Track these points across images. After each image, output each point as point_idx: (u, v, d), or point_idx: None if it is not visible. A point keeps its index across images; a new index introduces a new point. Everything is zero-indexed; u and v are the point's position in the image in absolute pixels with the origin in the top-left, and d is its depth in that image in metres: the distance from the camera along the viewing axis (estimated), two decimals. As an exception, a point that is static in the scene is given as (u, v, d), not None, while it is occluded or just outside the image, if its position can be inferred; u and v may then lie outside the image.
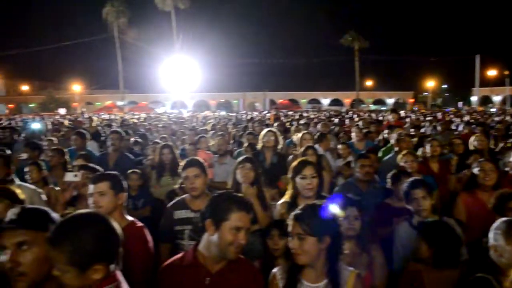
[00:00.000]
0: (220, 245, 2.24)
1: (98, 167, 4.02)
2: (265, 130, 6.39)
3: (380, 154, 6.95)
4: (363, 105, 62.96)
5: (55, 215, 1.82)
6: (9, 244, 1.66)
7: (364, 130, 9.21)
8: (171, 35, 55.01)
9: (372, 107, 59.63)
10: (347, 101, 65.46)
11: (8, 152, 5.36)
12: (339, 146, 7.30)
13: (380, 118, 18.66)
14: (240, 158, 4.23)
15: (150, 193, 5.94)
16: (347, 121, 15.18)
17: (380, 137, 9.04)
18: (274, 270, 2.53)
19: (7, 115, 45.45)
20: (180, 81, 54.31)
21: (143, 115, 32.94)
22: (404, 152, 5.23)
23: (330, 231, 2.34)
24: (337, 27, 67.53)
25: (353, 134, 8.27)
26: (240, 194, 2.44)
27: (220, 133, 8.30)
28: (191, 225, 3.52)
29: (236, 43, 70.90)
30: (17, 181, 4.25)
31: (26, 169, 4.94)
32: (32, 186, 4.37)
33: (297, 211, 2.40)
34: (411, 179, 3.76)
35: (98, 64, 72.59)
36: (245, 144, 7.19)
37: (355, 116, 21.29)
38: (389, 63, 66.85)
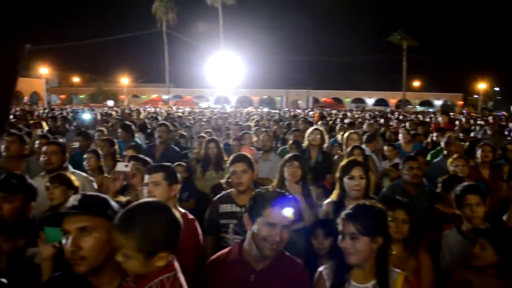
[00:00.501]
0: (256, 241, 2.24)
1: (147, 158, 4.12)
2: (312, 128, 6.36)
3: (428, 157, 6.75)
4: (409, 106, 61.34)
5: (114, 203, 1.88)
6: (72, 229, 1.72)
7: (412, 132, 8.98)
8: (217, 31, 55.49)
9: (419, 108, 58.02)
10: (392, 101, 64.00)
11: (63, 140, 5.58)
12: (386, 148, 7.15)
13: (427, 120, 18.14)
14: (288, 156, 4.21)
15: (195, 186, 6.04)
16: (393, 122, 14.83)
17: (429, 139, 8.78)
18: (320, 268, 2.50)
19: (59, 105, 47.37)
20: (224, 76, 54.80)
21: (188, 109, 33.51)
22: (455, 156, 5.06)
23: (382, 231, 2.30)
24: (385, 25, 66.22)
25: (400, 136, 8.09)
26: (282, 191, 2.41)
27: (264, 129, 8.31)
28: (236, 220, 3.55)
29: (281, 40, 70.73)
30: (71, 169, 4.41)
31: (85, 156, 5.15)
32: (84, 174, 4.53)
33: (349, 210, 2.36)
34: (464, 184, 3.63)
35: (145, 58, 74.49)
36: (290, 142, 7.17)
37: (400, 117, 20.78)
38: (438, 63, 64.78)
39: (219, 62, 54.40)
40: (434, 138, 8.18)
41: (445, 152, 6.11)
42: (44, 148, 4.38)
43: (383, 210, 2.39)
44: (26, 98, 59.00)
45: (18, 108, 30.33)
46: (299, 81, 65.02)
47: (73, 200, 1.77)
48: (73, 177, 3.41)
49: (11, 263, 2.21)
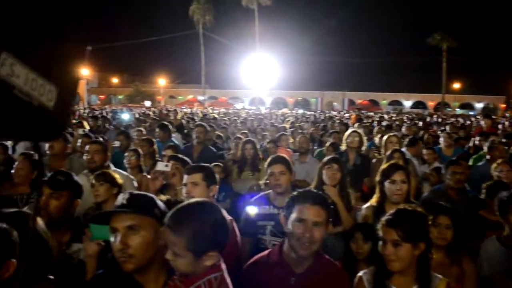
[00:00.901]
0: (290, 240, 2.24)
1: (187, 159, 4.17)
2: (350, 130, 6.28)
3: (470, 162, 6.54)
4: (448, 109, 59.63)
5: (160, 202, 1.91)
6: (120, 227, 1.76)
7: (454, 136, 8.72)
8: (253, 32, 55.72)
9: (459, 111, 56.29)
10: (431, 103, 62.40)
11: (104, 139, 5.73)
12: (425, 151, 6.97)
13: (468, 123, 17.59)
14: (327, 158, 4.17)
15: (231, 187, 6.07)
16: (434, 126, 14.45)
17: (471, 143, 8.50)
18: (360, 273, 2.47)
19: (99, 105, 48.72)
20: (259, 78, 54.94)
21: (223, 110, 33.79)
22: (499, 161, 4.88)
23: (424, 237, 2.26)
24: (424, 25, 64.54)
25: (441, 140, 7.86)
26: (314, 190, 2.39)
27: (300, 131, 8.27)
28: (274, 221, 3.53)
29: (316, 40, 70.07)
30: (112, 167, 4.52)
31: (126, 155, 5.28)
32: (125, 173, 4.64)
33: (389, 216, 2.32)
34: (510, 191, 3.48)
35: (182, 60, 75.45)
36: (327, 144, 7.10)
37: (439, 120, 20.25)
38: (480, 64, 62.50)
39: (254, 63, 54.58)
40: (477, 142, 7.91)
41: (488, 157, 5.91)
42: (87, 147, 4.51)
43: (424, 215, 2.34)
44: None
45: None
46: (334, 83, 64.37)
47: (121, 199, 1.80)
48: (116, 175, 3.49)
49: (57, 258, 2.26)
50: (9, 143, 6.74)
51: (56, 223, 2.61)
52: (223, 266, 1.74)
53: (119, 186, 3.37)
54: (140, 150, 5.48)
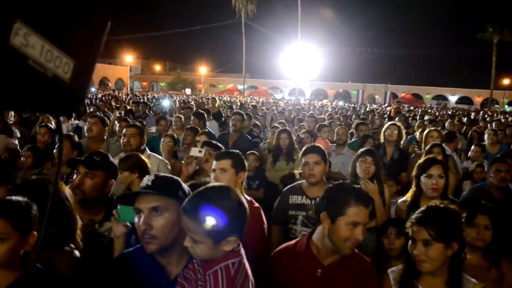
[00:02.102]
0: (335, 239, 2.14)
1: (220, 145, 4.18)
2: (389, 123, 6.10)
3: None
4: (496, 106, 57.20)
5: (185, 185, 1.90)
6: (144, 208, 1.77)
7: (499, 133, 8.33)
8: (295, 23, 55.18)
9: (507, 108, 53.90)
10: (477, 99, 60.09)
11: (143, 124, 5.83)
12: (473, 148, 6.70)
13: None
14: (361, 150, 4.06)
15: (265, 176, 6.05)
16: (480, 122, 13.85)
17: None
18: (388, 271, 2.37)
19: (141, 92, 49.84)
20: (300, 68, 54.50)
21: (262, 99, 33.80)
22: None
23: (457, 236, 2.13)
24: (473, 17, 61.89)
25: (486, 137, 7.54)
26: (358, 186, 2.30)
27: (339, 123, 8.13)
28: (305, 212, 3.49)
29: (359, 31, 68.91)
30: (148, 151, 4.59)
31: (162, 140, 5.37)
32: (160, 157, 4.70)
33: (420, 214, 2.19)
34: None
35: (224, 49, 76.15)
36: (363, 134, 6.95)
37: (486, 116, 19.43)
38: (533, 60, 59.46)
39: (296, 54, 54.14)
40: (525, 141, 7.55)
41: (535, 156, 5.59)
42: (124, 131, 4.60)
43: (457, 212, 2.20)
44: (110, 84, 62.70)
45: (105, 93, 32.39)
46: (377, 75, 63.25)
47: (147, 180, 1.81)
48: (146, 160, 3.52)
49: (87, 236, 2.32)
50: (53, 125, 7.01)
51: (90, 202, 2.67)
52: (242, 252, 1.72)
53: (140, 170, 3.34)
54: (175, 135, 5.56)
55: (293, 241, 2.44)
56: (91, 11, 0.82)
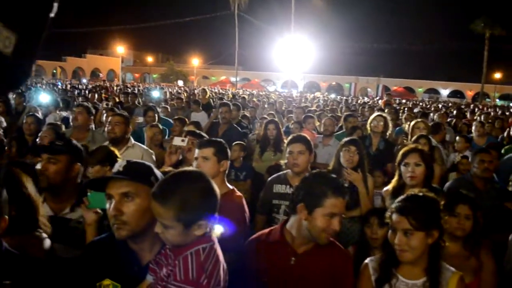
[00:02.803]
0: (312, 230, 2.14)
1: (204, 134, 4.16)
2: (374, 114, 6.10)
3: (502, 151, 6.26)
4: (488, 99, 57.53)
5: (158, 171, 1.89)
6: (115, 194, 1.75)
7: (487, 126, 8.38)
8: (288, 15, 54.93)
9: (498, 102, 54.23)
10: (469, 93, 60.41)
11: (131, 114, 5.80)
12: (457, 139, 6.73)
13: (508, 114, 16.91)
14: (345, 140, 4.07)
15: (253, 166, 6.04)
16: (468, 115, 13.93)
17: (505, 134, 8.16)
18: (367, 260, 2.36)
19: (132, 83, 49.56)
20: (292, 60, 54.37)
21: (254, 92, 33.73)
22: (530, 151, 4.62)
23: (437, 224, 2.13)
24: (466, 11, 61.96)
25: (473, 129, 7.58)
26: (334, 176, 2.28)
27: (327, 115, 8.13)
28: (289, 201, 3.48)
29: (352, 24, 68.83)
30: (132, 141, 4.56)
31: (147, 129, 5.36)
32: (144, 147, 4.68)
33: (400, 203, 2.18)
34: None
35: (216, 41, 75.81)
36: (350, 126, 6.96)
37: (476, 109, 19.53)
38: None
39: (289, 46, 53.98)
40: (512, 133, 7.60)
41: (522, 147, 5.64)
42: (109, 119, 4.58)
43: (435, 200, 2.20)
44: (101, 75, 62.23)
45: (96, 84, 32.18)
46: (369, 68, 63.22)
47: (118, 166, 1.79)
48: (116, 151, 3.47)
49: (55, 223, 2.28)
50: (40, 115, 6.95)
51: (57, 189, 2.63)
52: (214, 237, 1.70)
53: (111, 162, 3.30)
54: (163, 128, 5.54)
55: (267, 229, 2.45)
56: None
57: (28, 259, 1.80)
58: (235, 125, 7.12)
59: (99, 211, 2.16)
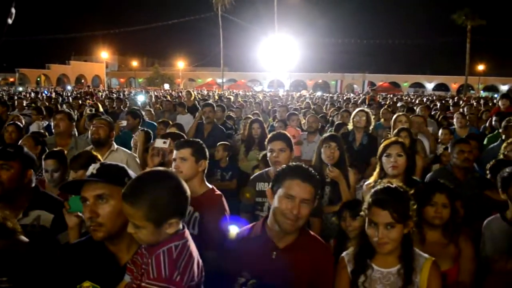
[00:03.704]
0: (275, 214, 2.19)
1: (183, 134, 4.18)
2: (357, 109, 6.17)
3: (485, 141, 6.36)
4: (472, 91, 58.17)
5: (131, 172, 1.91)
6: (89, 196, 1.78)
7: (469, 117, 8.48)
8: (272, 14, 55.07)
9: (483, 93, 54.85)
10: (454, 86, 61.07)
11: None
12: (441, 131, 6.82)
13: (491, 105, 17.11)
14: (325, 136, 4.12)
15: (238, 166, 6.07)
16: (451, 107, 14.10)
17: (487, 124, 8.27)
18: (343, 254, 2.37)
19: (118, 88, 49.27)
20: (278, 60, 54.52)
21: (241, 92, 33.75)
22: (510, 140, 4.69)
23: (412, 215, 2.18)
24: (446, 4, 62.49)
25: (455, 120, 7.68)
26: (304, 166, 2.30)
27: (311, 112, 8.19)
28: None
29: (336, 22, 69.19)
30: (115, 145, 4.56)
31: (133, 135, 5.35)
32: (128, 151, 4.67)
33: (377, 196, 2.19)
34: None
35: (201, 42, 75.76)
36: (336, 123, 7.03)
37: (461, 102, 19.75)
38: (505, 45, 60.48)
39: (273, 46, 54.11)
40: (494, 123, 7.69)
41: (503, 136, 5.72)
42: (93, 122, 4.59)
43: (407, 191, 2.24)
44: (84, 81, 61.74)
45: (81, 91, 31.94)
46: (355, 65, 63.73)
47: (92, 168, 1.82)
48: (96, 154, 3.50)
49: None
50: (23, 123, 6.90)
51: (10, 194, 2.62)
52: (187, 233, 1.73)
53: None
54: (149, 132, 5.53)
55: (249, 225, 2.46)
56: None
57: (20, 259, 1.85)
58: (219, 125, 7.14)
59: (80, 214, 2.18)
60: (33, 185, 2.77)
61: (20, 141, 4.49)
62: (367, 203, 2.23)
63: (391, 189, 2.23)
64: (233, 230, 1.61)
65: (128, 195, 1.61)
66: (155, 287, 1.54)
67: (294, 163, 2.33)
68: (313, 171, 2.25)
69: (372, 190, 2.27)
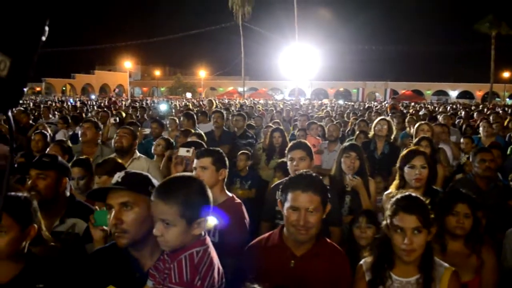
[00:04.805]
0: (286, 226, 2.24)
1: (203, 143, 4.25)
2: (378, 118, 6.14)
3: (508, 151, 6.25)
4: (498, 99, 56.97)
5: (155, 181, 1.98)
6: (114, 204, 1.85)
7: (495, 125, 8.32)
8: (292, 22, 55.19)
9: (508, 101, 53.67)
10: (478, 93, 59.92)
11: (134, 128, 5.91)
12: (462, 140, 6.73)
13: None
14: (345, 146, 4.12)
15: (259, 175, 6.11)
16: (475, 114, 13.85)
17: (512, 133, 8.12)
18: (361, 262, 2.37)
19: (142, 97, 50.03)
20: (299, 68, 54.50)
21: (262, 101, 33.86)
22: (535, 150, 4.61)
23: (433, 222, 2.18)
24: (471, 11, 61.62)
25: (481, 129, 7.55)
26: (309, 173, 2.32)
27: (332, 120, 8.19)
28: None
29: (357, 30, 68.92)
30: (137, 153, 4.66)
31: (154, 142, 5.46)
32: (150, 159, 4.78)
33: (403, 202, 2.18)
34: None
35: (222, 52, 76.23)
36: (357, 132, 7.01)
37: (486, 109, 19.38)
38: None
39: (294, 54, 54.14)
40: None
41: (528, 146, 5.62)
42: (117, 131, 4.72)
43: (426, 200, 2.26)
44: (108, 92, 62.87)
45: (105, 100, 32.59)
46: (377, 73, 63.20)
47: (117, 176, 1.88)
48: (124, 164, 3.63)
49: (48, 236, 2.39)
50: (49, 132, 7.09)
51: (47, 203, 2.70)
52: (208, 240, 1.78)
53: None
54: (170, 139, 5.63)
55: (266, 234, 2.48)
56: (27, 13, 0.88)
57: (57, 266, 1.95)
58: (226, 129, 7.30)
59: (106, 228, 2.25)
60: (68, 193, 2.87)
61: (47, 150, 4.62)
62: (391, 210, 2.21)
63: (411, 196, 2.24)
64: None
65: (162, 192, 1.70)
66: None
67: (297, 173, 2.37)
68: (317, 178, 2.27)
69: (395, 198, 2.26)
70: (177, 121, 8.67)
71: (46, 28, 0.93)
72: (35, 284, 1.85)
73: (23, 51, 0.89)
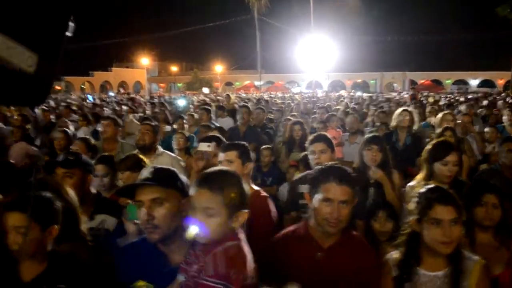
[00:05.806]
0: (316, 218, 2.21)
1: (222, 138, 4.26)
2: (400, 109, 6.06)
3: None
4: (520, 87, 55.63)
5: (183, 176, 1.99)
6: (145, 200, 1.85)
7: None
8: (308, 15, 54.73)
9: (531, 89, 52.37)
10: (500, 82, 58.60)
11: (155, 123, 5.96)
12: (487, 129, 6.60)
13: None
14: (366, 138, 4.07)
15: (279, 170, 6.09)
16: (499, 103, 13.56)
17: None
18: (388, 257, 2.32)
19: (159, 93, 50.36)
20: (315, 60, 54.09)
21: (279, 94, 33.77)
22: None
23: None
24: (492, -1, 60.16)
25: (504, 118, 7.40)
26: (339, 165, 2.30)
27: (352, 112, 8.11)
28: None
29: (374, 20, 67.96)
30: (160, 149, 4.69)
31: (174, 137, 5.52)
32: (173, 154, 4.80)
33: (437, 193, 2.14)
34: None
35: (238, 46, 76.14)
36: (377, 123, 6.93)
37: (508, 98, 18.95)
38: (557, 38, 57.43)
39: (311, 46, 53.74)
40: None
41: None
42: (139, 128, 4.76)
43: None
44: (123, 89, 63.56)
45: (124, 96, 32.95)
46: (395, 63, 62.21)
47: (146, 172, 1.89)
48: (145, 159, 3.64)
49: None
50: (71, 130, 7.19)
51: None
52: (242, 235, 1.78)
53: (141, 169, 3.47)
54: (187, 134, 5.68)
55: (292, 226, 2.48)
56: (51, 10, 0.88)
57: (80, 265, 1.98)
58: (253, 126, 7.26)
59: (137, 221, 2.27)
60: (94, 190, 2.92)
61: (72, 147, 4.70)
62: (424, 203, 2.15)
63: (444, 188, 2.21)
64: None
65: (208, 181, 1.72)
66: (212, 284, 1.59)
67: (328, 164, 2.34)
68: (348, 170, 2.25)
69: (424, 189, 2.22)
70: (195, 116, 8.72)
71: (71, 24, 0.93)
72: (57, 284, 1.88)
73: (49, 47, 0.89)
